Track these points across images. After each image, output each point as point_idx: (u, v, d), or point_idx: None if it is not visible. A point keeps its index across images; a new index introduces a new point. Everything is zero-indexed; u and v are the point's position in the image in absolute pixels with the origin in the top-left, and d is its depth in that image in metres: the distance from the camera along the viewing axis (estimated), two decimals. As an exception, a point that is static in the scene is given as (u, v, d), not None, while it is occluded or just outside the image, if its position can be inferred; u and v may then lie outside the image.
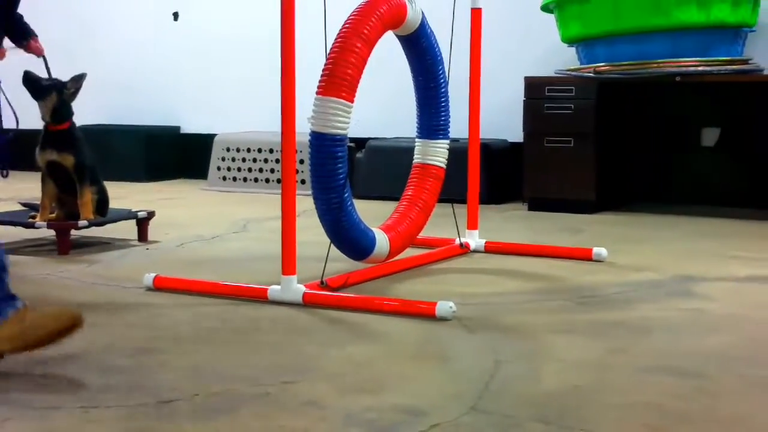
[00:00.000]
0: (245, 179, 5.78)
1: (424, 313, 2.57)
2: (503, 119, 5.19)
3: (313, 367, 2.15)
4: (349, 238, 2.96)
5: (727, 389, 1.99)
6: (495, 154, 5.10)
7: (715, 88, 4.81)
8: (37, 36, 3.60)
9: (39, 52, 3.59)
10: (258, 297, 2.78)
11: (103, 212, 3.69)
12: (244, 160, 5.79)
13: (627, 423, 1.77)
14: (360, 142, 5.45)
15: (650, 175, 5.15)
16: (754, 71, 4.47)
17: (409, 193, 3.35)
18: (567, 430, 1.72)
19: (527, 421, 1.77)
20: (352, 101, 2.85)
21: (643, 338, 2.38)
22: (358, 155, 5.36)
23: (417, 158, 3.42)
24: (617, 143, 4.93)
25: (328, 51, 2.88)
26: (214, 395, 1.92)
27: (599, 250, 3.43)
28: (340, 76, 2.83)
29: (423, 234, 3.42)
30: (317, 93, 2.85)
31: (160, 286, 2.92)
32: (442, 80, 3.37)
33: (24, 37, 3.51)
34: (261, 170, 5.74)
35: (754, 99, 4.83)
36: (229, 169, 5.84)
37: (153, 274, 2.95)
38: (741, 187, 4.91)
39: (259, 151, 5.73)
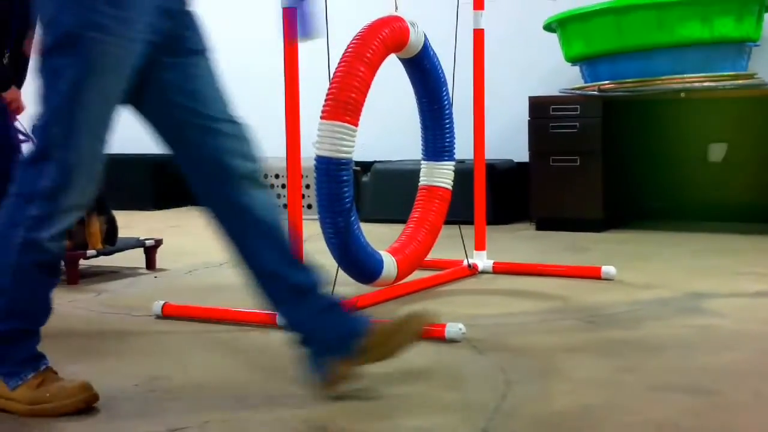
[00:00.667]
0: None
1: (434, 336, 2.56)
2: (509, 139, 5.20)
3: (322, 391, 2.13)
4: (357, 262, 2.95)
5: (742, 405, 1.97)
6: (501, 174, 5.10)
7: (721, 103, 4.81)
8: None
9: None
10: (267, 323, 2.77)
11: (112, 242, 3.70)
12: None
13: (640, 442, 1.75)
14: (365, 166, 5.46)
15: (658, 192, 5.14)
16: (759, 86, 4.47)
17: (416, 215, 3.34)
18: (580, 451, 1.71)
19: (539, 443, 1.76)
20: (356, 125, 2.86)
21: (654, 356, 2.37)
22: (364, 178, 5.37)
23: (423, 180, 3.42)
24: (624, 161, 4.93)
25: (331, 75, 2.89)
26: (225, 422, 1.91)
27: (608, 269, 3.42)
28: (344, 100, 2.84)
29: (431, 256, 3.42)
30: (321, 117, 2.86)
31: (169, 313, 2.92)
32: (446, 102, 3.38)
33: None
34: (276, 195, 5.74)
35: (761, 113, 4.82)
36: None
37: (162, 302, 2.95)
38: (749, 203, 4.89)
39: (265, 177, 5.73)
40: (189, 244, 4.56)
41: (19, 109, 3.24)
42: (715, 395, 2.03)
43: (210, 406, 2.03)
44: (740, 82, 4.41)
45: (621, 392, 2.08)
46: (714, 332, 2.60)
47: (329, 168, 2.83)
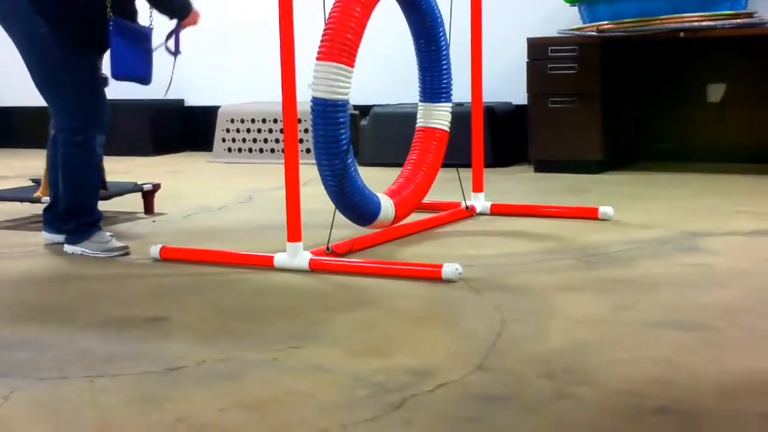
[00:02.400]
0: (250, 150, 5.77)
1: (431, 276, 2.58)
2: (507, 81, 5.16)
3: (320, 332, 2.16)
4: (354, 204, 2.96)
5: (734, 341, 1.99)
6: (500, 116, 5.07)
7: (720, 43, 4.76)
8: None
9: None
10: (264, 265, 2.78)
11: (102, 186, 3.69)
12: (248, 131, 5.78)
13: (634, 377, 1.77)
14: (364, 109, 5.43)
15: (656, 134, 5.12)
16: (759, 24, 4.42)
17: (413, 157, 3.34)
18: (573, 386, 1.73)
19: (534, 378, 1.78)
20: (352, 66, 2.84)
21: (650, 294, 2.38)
22: (363, 122, 5.35)
23: (420, 122, 3.41)
24: (622, 102, 4.90)
25: (326, 16, 2.86)
26: (221, 361, 1.93)
27: (605, 209, 3.42)
28: (340, 41, 2.81)
29: (429, 198, 3.42)
30: (317, 59, 2.84)
31: (166, 257, 2.93)
32: (443, 43, 3.35)
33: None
34: (266, 140, 5.73)
35: (760, 52, 4.78)
36: (234, 140, 5.83)
37: (159, 245, 2.96)
38: (747, 143, 4.88)
39: (264, 121, 5.71)
40: (187, 188, 4.56)
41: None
42: (708, 332, 2.05)
43: (207, 346, 2.05)
44: (739, 21, 4.36)
45: (615, 330, 2.10)
46: (709, 270, 2.61)
47: (325, 109, 2.81)
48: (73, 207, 3.07)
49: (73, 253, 3.06)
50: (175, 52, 3.15)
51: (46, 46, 2.92)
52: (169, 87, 3.16)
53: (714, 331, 2.05)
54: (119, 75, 2.96)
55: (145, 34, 3.04)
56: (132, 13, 3.07)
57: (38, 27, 2.90)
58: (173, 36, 3.14)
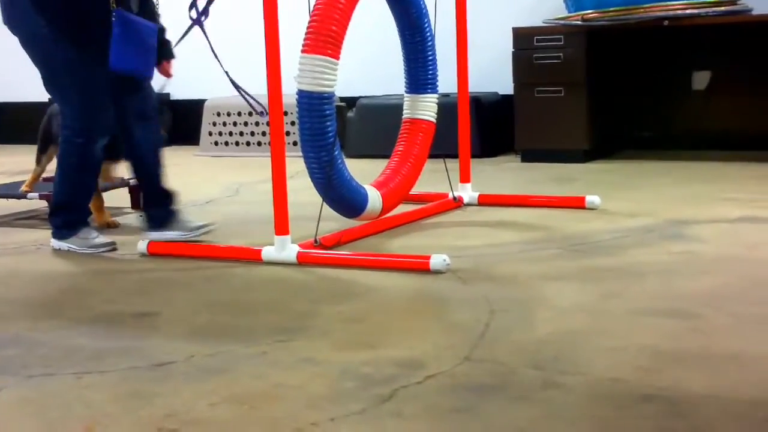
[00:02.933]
0: (237, 143, 5.76)
1: (419, 268, 2.58)
2: (493, 72, 5.16)
3: (308, 324, 2.16)
4: (341, 196, 2.96)
5: (721, 328, 2.00)
6: (486, 107, 5.07)
7: (704, 30, 4.77)
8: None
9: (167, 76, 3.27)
10: (252, 258, 2.78)
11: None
12: (235, 124, 5.76)
13: (621, 365, 1.78)
14: (351, 101, 5.42)
15: (642, 122, 5.13)
16: (742, 12, 4.43)
17: (400, 148, 3.34)
18: (561, 375, 1.74)
19: (522, 368, 1.79)
20: (337, 58, 2.83)
21: (637, 282, 2.39)
22: (350, 114, 5.34)
23: (406, 113, 3.41)
24: (608, 91, 4.91)
25: (311, 8, 2.85)
26: (210, 356, 1.93)
27: (592, 198, 3.43)
28: (325, 33, 2.81)
29: (416, 189, 3.42)
30: (302, 51, 2.83)
31: (154, 252, 2.92)
32: (428, 34, 3.35)
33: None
34: (252, 134, 5.72)
35: (744, 40, 4.79)
36: (220, 134, 5.82)
37: (147, 240, 2.95)
38: (733, 130, 4.90)
39: (250, 114, 5.70)
40: (174, 182, 4.53)
41: None
42: (695, 319, 2.06)
43: (195, 341, 2.05)
44: (723, 8, 4.37)
45: (603, 318, 2.11)
46: (695, 258, 2.63)
47: (311, 102, 2.81)
48: (64, 204, 3.06)
49: (59, 249, 3.05)
50: (197, 20, 3.01)
51: (47, 46, 2.90)
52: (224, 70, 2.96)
53: (700, 319, 2.06)
54: (118, 68, 2.90)
55: (151, 29, 2.98)
56: (150, 12, 3.05)
57: (40, 28, 2.87)
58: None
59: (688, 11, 4.34)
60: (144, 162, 3.14)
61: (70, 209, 3.07)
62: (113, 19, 2.87)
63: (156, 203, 3.14)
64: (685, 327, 2.01)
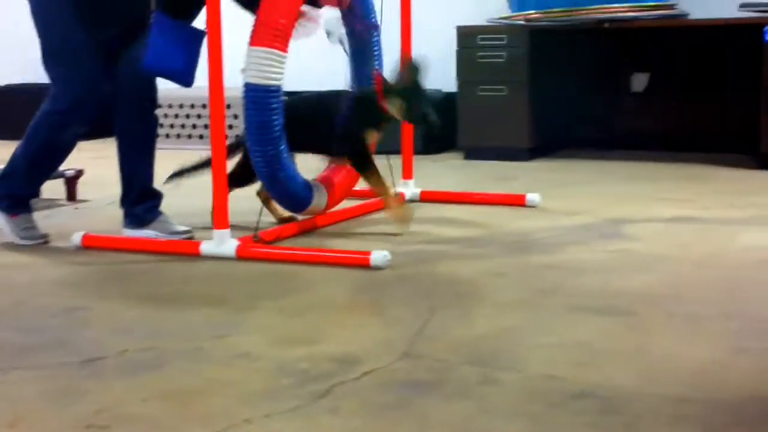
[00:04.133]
0: (179, 136, 5.68)
1: (359, 264, 2.57)
2: (436, 69, 5.15)
3: (246, 320, 2.13)
4: (286, 191, 2.92)
5: (654, 325, 2.03)
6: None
7: (644, 33, 4.85)
8: None
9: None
10: (190, 253, 2.74)
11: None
12: (176, 116, 5.68)
13: (556, 361, 1.80)
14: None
15: (583, 122, 5.19)
16: (679, 16, 4.54)
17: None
18: (499, 371, 1.74)
19: (460, 365, 1.79)
20: (285, 51, 2.80)
21: (574, 279, 2.42)
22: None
23: (349, 109, 3.38)
24: (550, 90, 4.96)
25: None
26: (143, 351, 1.90)
27: (532, 196, 3.46)
28: (273, 26, 2.77)
29: (360, 185, 3.41)
30: (250, 44, 2.80)
31: (89, 245, 2.86)
32: (373, 29, 3.34)
33: None
34: (194, 126, 5.65)
35: (681, 43, 4.89)
36: (162, 126, 5.72)
37: (81, 233, 2.89)
38: (670, 131, 4.99)
39: (192, 106, 5.62)
40: (112, 175, 4.44)
41: None
42: (630, 317, 2.09)
43: (128, 336, 2.01)
44: (661, 12, 4.46)
45: (540, 314, 2.13)
46: (631, 256, 2.66)
47: (258, 95, 2.77)
48: (14, 173, 2.97)
49: None
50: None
51: (53, 20, 2.84)
52: None
53: (635, 316, 2.09)
54: (151, 68, 2.83)
55: (195, 35, 2.87)
56: (189, 14, 2.95)
57: (56, 3, 2.81)
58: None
59: (628, 14, 4.41)
60: (134, 158, 3.04)
61: (18, 182, 2.97)
62: (152, 19, 2.81)
63: (140, 201, 3.03)
64: (619, 324, 2.03)
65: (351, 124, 2.99)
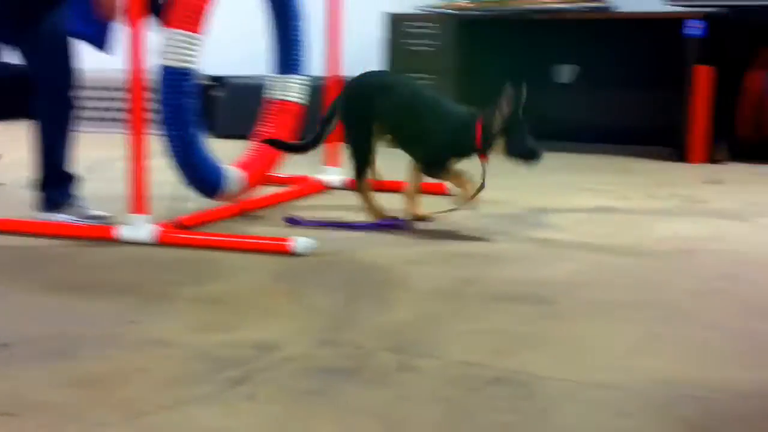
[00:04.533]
0: (102, 119, 5.54)
1: (280, 250, 2.54)
2: (364, 56, 5.14)
3: (163, 306, 2.08)
4: (199, 175, 2.86)
5: (571, 313, 2.05)
6: (358, 91, 5.05)
7: (573, 25, 4.90)
8: None
9: None
10: (105, 237, 2.66)
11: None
12: (99, 99, 5.54)
13: (475, 348, 1.80)
14: (220, 80, 5.30)
15: (512, 113, 5.22)
16: (607, 9, 4.60)
17: (264, 129, 3.27)
18: (418, 358, 1.73)
19: (378, 351, 1.78)
20: (200, 33, 2.74)
21: (497, 268, 2.43)
22: (219, 93, 5.22)
23: (272, 94, 3.35)
24: (480, 80, 4.97)
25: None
26: (54, 338, 1.84)
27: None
28: (189, 8, 2.71)
29: (285, 172, 3.37)
30: (165, 25, 2.73)
31: (2, 229, 2.76)
32: (297, 14, 3.30)
33: None
34: (117, 109, 5.52)
35: (609, 36, 4.96)
36: (82, 108, 5.57)
37: (-7, 217, 2.79)
38: (595, 123, 5.06)
39: (115, 89, 5.49)
40: (27, 158, 4.32)
41: None
42: (551, 305, 2.10)
43: (38, 323, 1.94)
44: (590, 4, 4.52)
45: (462, 302, 2.13)
46: (553, 245, 2.69)
47: (172, 78, 2.71)
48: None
49: None
50: None
51: None
52: None
53: (555, 304, 2.11)
54: (71, 32, 2.75)
55: None
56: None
57: None
58: None
59: (557, 6, 4.45)
60: (50, 139, 2.93)
61: None
62: None
63: (54, 184, 2.92)
64: (538, 312, 2.05)
65: (440, 150, 2.88)
